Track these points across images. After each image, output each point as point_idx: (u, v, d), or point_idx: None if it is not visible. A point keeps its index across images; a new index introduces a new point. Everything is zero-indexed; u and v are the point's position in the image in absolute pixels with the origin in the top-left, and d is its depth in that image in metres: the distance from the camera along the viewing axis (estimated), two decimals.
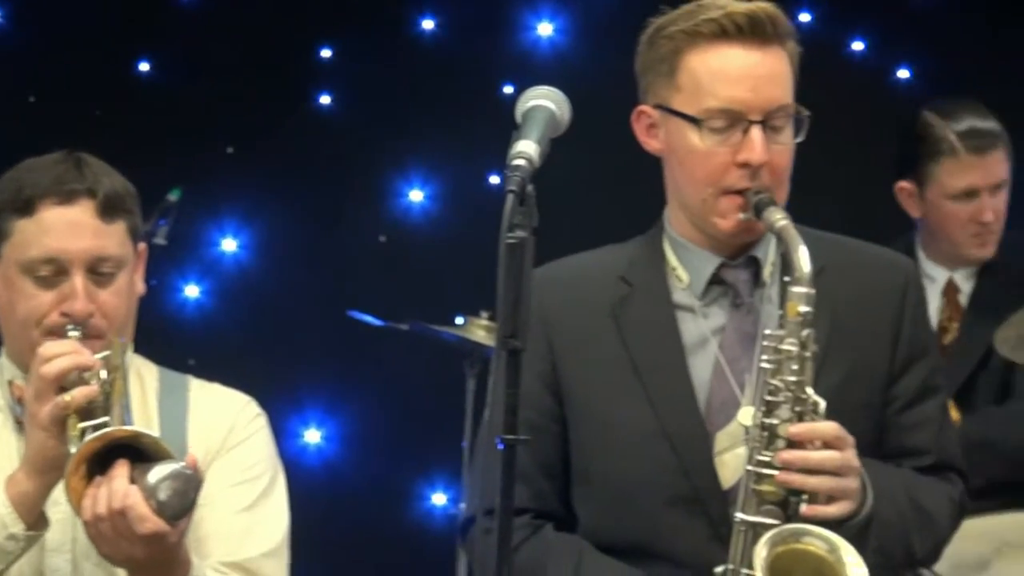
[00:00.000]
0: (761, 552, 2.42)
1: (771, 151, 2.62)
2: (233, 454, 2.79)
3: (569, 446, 2.73)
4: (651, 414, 2.67)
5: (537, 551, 2.67)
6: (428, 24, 5.56)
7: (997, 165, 4.03)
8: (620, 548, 2.68)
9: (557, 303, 2.73)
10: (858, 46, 5.58)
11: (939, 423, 2.79)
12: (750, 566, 2.47)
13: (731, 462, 2.64)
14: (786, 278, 2.55)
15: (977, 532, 3.77)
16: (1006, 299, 3.97)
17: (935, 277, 4.11)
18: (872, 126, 4.87)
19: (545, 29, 5.54)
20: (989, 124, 4.04)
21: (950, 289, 4.12)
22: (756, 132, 2.61)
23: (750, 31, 2.62)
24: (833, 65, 5.37)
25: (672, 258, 2.75)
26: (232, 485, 2.76)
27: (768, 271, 2.73)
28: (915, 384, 2.74)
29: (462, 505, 4.62)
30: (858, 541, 2.52)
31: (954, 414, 3.48)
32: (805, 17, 5.39)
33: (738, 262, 2.72)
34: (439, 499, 5.45)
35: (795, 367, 2.51)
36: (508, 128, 2.34)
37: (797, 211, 2.62)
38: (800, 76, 2.69)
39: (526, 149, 2.26)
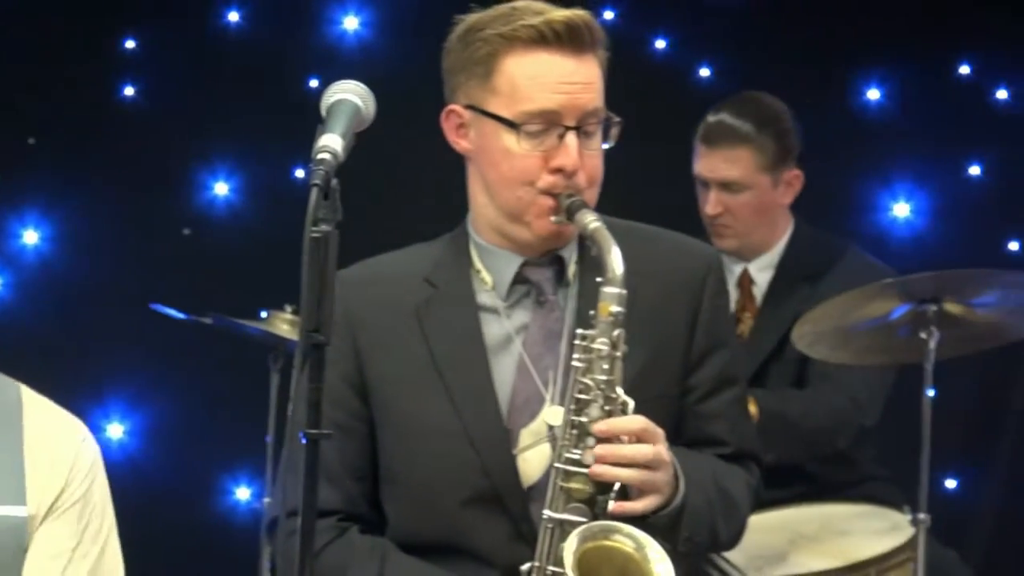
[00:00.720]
0: (569, 549, 2.41)
1: (584, 156, 2.62)
2: (69, 515, 2.42)
3: (376, 446, 2.70)
4: (452, 413, 2.65)
5: (341, 554, 2.64)
6: (234, 16, 5.47)
7: (724, 162, 4.05)
8: (426, 547, 2.66)
9: (363, 304, 2.70)
10: (660, 44, 5.62)
11: (737, 413, 2.81)
12: (557, 564, 2.47)
13: (533, 460, 2.62)
14: (598, 279, 2.54)
15: (773, 525, 3.85)
16: (798, 292, 4.03)
17: (732, 269, 4.15)
18: (674, 123, 4.90)
19: (351, 23, 5.49)
20: (737, 123, 4.06)
21: (744, 280, 4.17)
22: (571, 138, 2.61)
23: (568, 39, 2.61)
24: (636, 63, 5.41)
25: (476, 260, 2.73)
26: (64, 560, 2.40)
27: (572, 270, 2.72)
28: (713, 374, 2.75)
29: (266, 500, 4.55)
30: (670, 530, 2.55)
31: (752, 409, 3.50)
32: (609, 15, 5.42)
33: (541, 261, 2.71)
34: (243, 494, 5.37)
35: (605, 366, 2.51)
36: (313, 122, 2.29)
37: (601, 209, 2.62)
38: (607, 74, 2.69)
39: (330, 143, 2.21)
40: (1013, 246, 5.70)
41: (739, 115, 4.06)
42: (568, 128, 2.60)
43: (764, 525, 3.83)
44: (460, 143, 2.71)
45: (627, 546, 2.44)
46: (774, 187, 4.09)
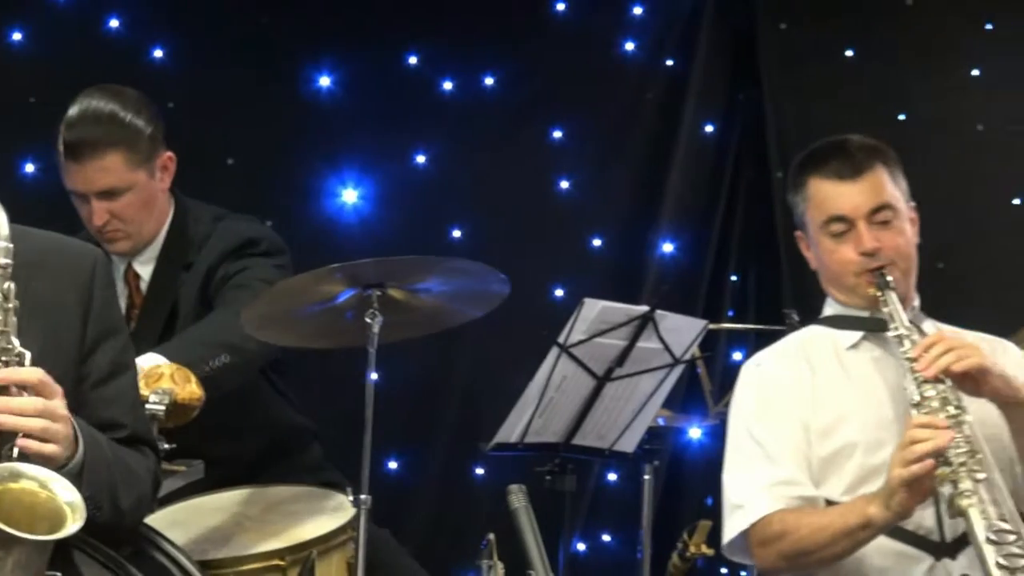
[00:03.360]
0: None
1: None
2: None
3: None
4: None
5: None
6: None
7: (98, 173, 3.99)
8: None
9: None
10: (114, 23, 5.57)
11: (132, 398, 3.02)
12: None
13: None
14: None
15: (218, 507, 3.90)
16: (177, 278, 4.09)
17: (118, 267, 4.15)
18: None
19: None
20: (98, 132, 3.97)
21: (130, 276, 4.18)
22: None
23: None
24: (89, 43, 5.36)
25: None
26: None
27: None
28: (106, 360, 2.94)
29: None
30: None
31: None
32: None
33: None
34: None
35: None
36: None
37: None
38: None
39: None
40: (456, 233, 5.98)
41: (97, 123, 3.98)
42: None
43: (209, 507, 3.89)
44: None
45: (33, 486, 2.56)
46: (152, 178, 4.09)
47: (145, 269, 4.16)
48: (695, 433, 5.92)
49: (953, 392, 3.10)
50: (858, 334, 3.41)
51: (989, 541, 2.88)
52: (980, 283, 6.00)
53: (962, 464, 2.97)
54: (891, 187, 3.40)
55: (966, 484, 2.95)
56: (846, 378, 3.37)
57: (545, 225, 6.08)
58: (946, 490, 3.02)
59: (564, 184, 6.14)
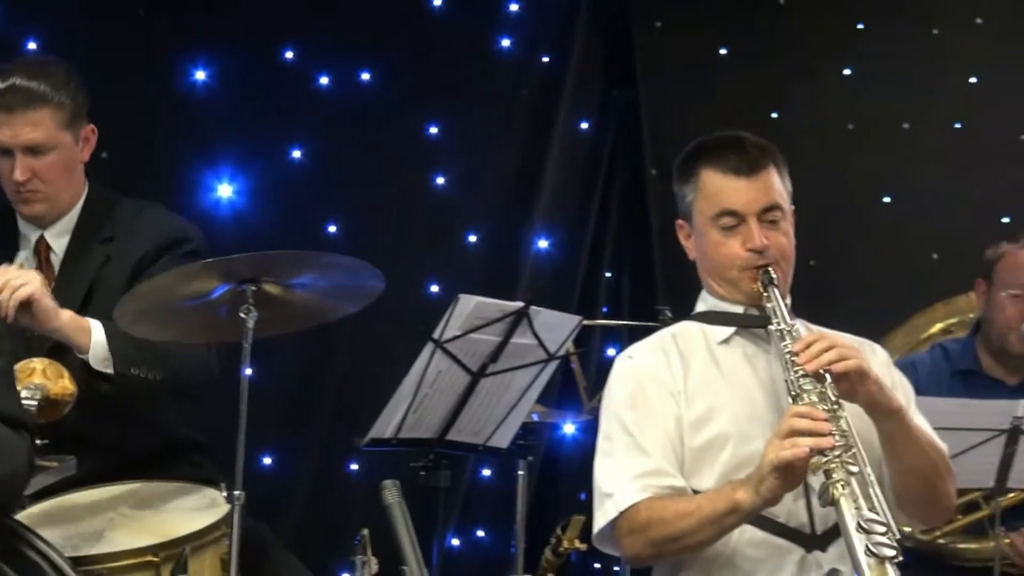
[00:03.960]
0: None
1: None
2: None
3: None
4: None
5: None
6: None
7: (28, 126, 4.04)
8: None
9: None
10: None
11: (8, 383, 3.05)
12: None
13: None
14: None
15: (91, 503, 3.88)
16: (94, 254, 4.10)
17: (28, 237, 4.17)
18: None
19: None
20: (32, 84, 4.04)
21: (42, 247, 4.18)
22: None
23: None
24: None
25: None
26: None
27: None
28: None
29: None
30: None
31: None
32: None
33: None
34: None
35: None
36: None
37: None
38: None
39: None
40: (332, 229, 5.99)
41: (31, 77, 4.05)
42: None
43: (82, 503, 3.87)
44: None
45: None
46: (75, 143, 4.14)
47: (58, 242, 4.17)
48: (569, 429, 5.98)
49: (832, 389, 3.18)
50: (730, 329, 3.47)
51: (859, 529, 2.94)
52: (851, 281, 6.13)
53: (837, 456, 3.04)
54: (780, 188, 3.47)
55: (840, 475, 3.02)
56: (718, 372, 3.43)
57: (421, 221, 6.11)
58: (817, 481, 3.10)
59: (440, 180, 6.18)
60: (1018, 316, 5.12)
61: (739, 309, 3.47)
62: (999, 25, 6.23)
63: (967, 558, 5.09)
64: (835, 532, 3.27)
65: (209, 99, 5.77)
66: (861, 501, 2.99)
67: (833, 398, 3.16)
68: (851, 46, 6.42)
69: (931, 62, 6.32)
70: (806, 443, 3.06)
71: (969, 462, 4.35)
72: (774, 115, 6.35)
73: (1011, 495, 4.78)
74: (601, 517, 3.36)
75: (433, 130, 6.18)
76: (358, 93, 6.05)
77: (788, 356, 3.24)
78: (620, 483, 3.34)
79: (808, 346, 3.21)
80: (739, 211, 3.41)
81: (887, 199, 6.37)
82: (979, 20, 6.28)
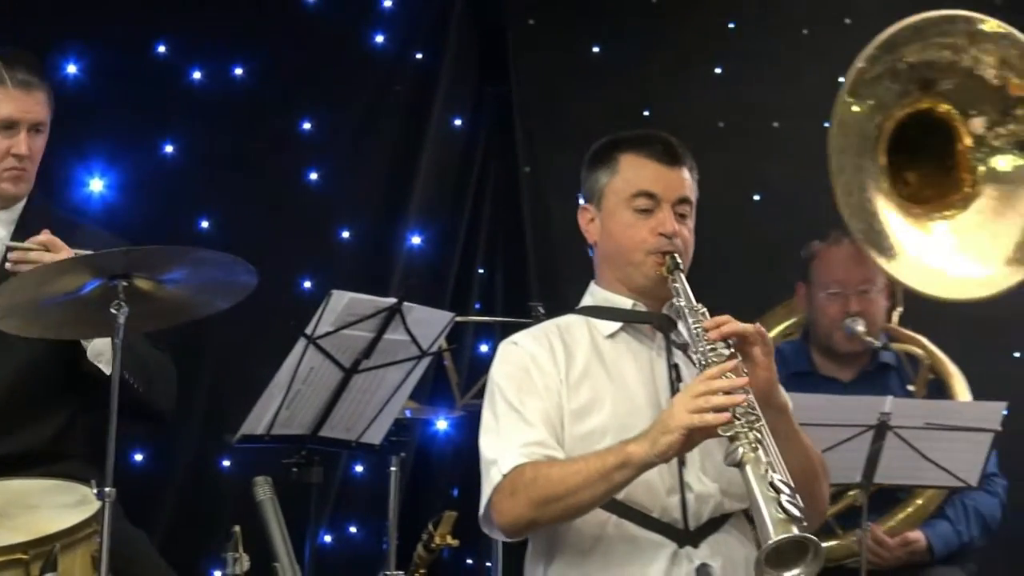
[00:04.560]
0: None
1: None
2: None
3: None
4: None
5: None
6: None
7: (39, 105, 4.24)
8: None
9: None
10: None
11: None
12: None
13: None
14: None
15: None
16: None
17: None
18: None
19: None
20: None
21: None
22: None
23: None
24: None
25: None
26: None
27: None
28: None
29: None
30: None
31: None
32: None
33: None
34: None
35: None
36: None
37: None
38: None
39: None
40: (204, 224, 5.98)
41: (31, 64, 4.25)
42: None
43: None
44: None
45: None
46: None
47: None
48: (442, 425, 6.02)
49: (741, 366, 3.25)
50: (617, 324, 3.54)
51: (771, 488, 3.01)
52: (718, 280, 6.21)
53: (748, 422, 3.10)
54: (694, 188, 3.57)
55: (750, 437, 3.08)
56: (601, 366, 3.49)
57: (294, 217, 6.11)
58: (694, 477, 3.21)
59: (313, 176, 6.19)
60: (839, 314, 5.19)
61: (628, 304, 3.54)
62: (868, 25, 6.35)
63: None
64: (708, 528, 3.36)
65: (80, 93, 5.73)
66: (768, 467, 3.05)
67: (744, 372, 3.23)
68: (722, 45, 6.52)
69: (801, 61, 6.43)
70: (721, 402, 3.12)
71: (836, 458, 4.45)
72: (646, 113, 6.43)
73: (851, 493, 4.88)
74: (487, 486, 3.36)
75: (306, 126, 6.18)
76: (231, 88, 6.04)
77: (697, 331, 3.31)
78: (505, 449, 3.35)
79: (717, 325, 3.29)
80: (657, 194, 3.50)
81: (757, 197, 6.48)
82: (848, 20, 6.40)
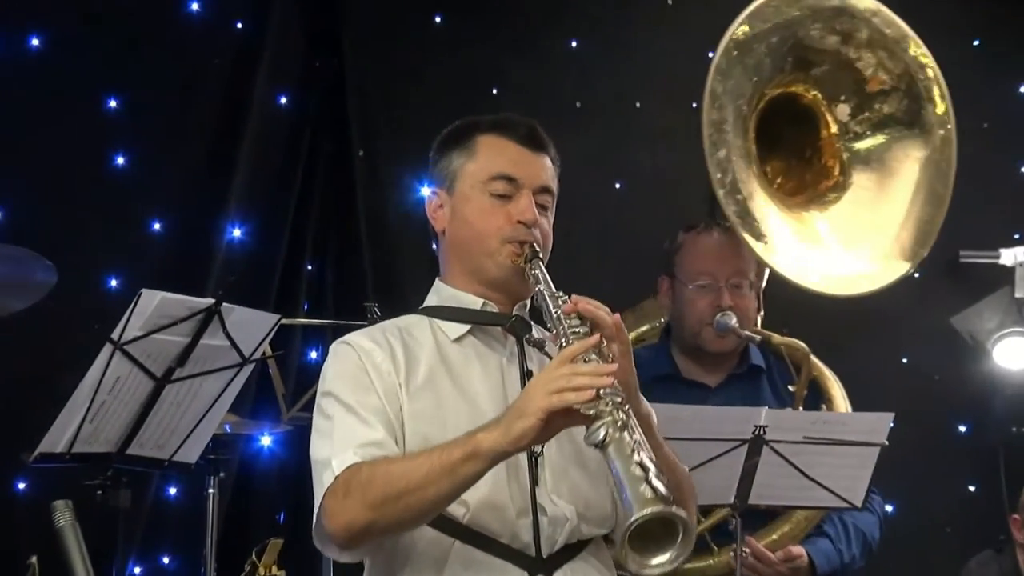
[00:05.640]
0: None
1: None
2: None
3: None
4: None
5: None
6: None
7: None
8: None
9: None
10: None
11: None
12: None
13: None
14: None
15: None
16: None
17: None
18: None
19: None
20: None
21: None
22: None
23: None
24: None
25: None
26: None
27: None
28: None
29: None
30: None
31: None
32: None
33: None
34: None
35: None
36: None
37: None
38: None
39: None
40: None
41: None
42: None
43: None
44: None
45: None
46: None
47: None
48: (266, 441, 5.98)
49: (604, 349, 3.24)
50: (465, 327, 3.51)
51: (639, 467, 3.01)
52: (576, 274, 6.24)
53: (612, 403, 3.07)
54: (555, 178, 3.57)
55: (615, 416, 3.04)
56: (446, 373, 3.46)
57: (98, 206, 6.05)
58: (546, 499, 3.22)
59: (120, 160, 6.12)
60: (709, 309, 5.15)
61: (477, 304, 3.53)
62: None
63: None
64: (563, 555, 3.34)
65: None
66: (635, 447, 3.04)
67: (609, 357, 3.22)
68: (578, 16, 6.56)
69: (665, 35, 6.49)
70: (584, 382, 3.09)
71: (707, 476, 4.46)
72: (494, 91, 6.44)
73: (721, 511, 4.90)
74: (319, 490, 3.28)
75: (112, 104, 6.12)
76: (27, 61, 5.95)
77: (558, 315, 3.29)
78: (341, 449, 3.28)
79: (576, 304, 3.28)
80: (517, 179, 3.49)
81: (618, 185, 6.52)
82: None
